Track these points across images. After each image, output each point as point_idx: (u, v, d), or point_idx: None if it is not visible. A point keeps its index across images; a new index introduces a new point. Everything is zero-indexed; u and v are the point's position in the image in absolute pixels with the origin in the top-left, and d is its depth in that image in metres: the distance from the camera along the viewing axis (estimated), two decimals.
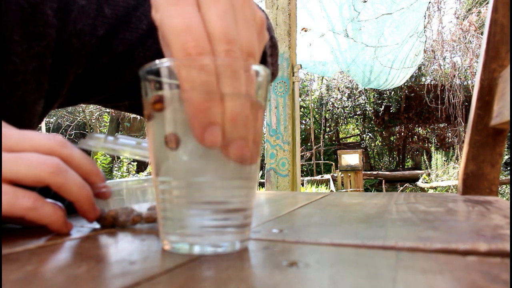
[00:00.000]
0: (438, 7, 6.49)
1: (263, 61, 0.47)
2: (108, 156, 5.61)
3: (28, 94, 0.44)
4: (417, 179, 6.01)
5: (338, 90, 9.27)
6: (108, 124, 8.11)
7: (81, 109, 7.72)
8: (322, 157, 8.30)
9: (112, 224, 0.36)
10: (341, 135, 10.33)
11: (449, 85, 6.92)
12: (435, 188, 5.13)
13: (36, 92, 0.45)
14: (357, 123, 9.86)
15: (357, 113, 9.26)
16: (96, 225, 0.37)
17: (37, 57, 0.43)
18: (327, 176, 6.22)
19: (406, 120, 8.86)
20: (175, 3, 0.25)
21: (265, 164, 2.73)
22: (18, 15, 0.41)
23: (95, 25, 0.47)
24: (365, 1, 4.29)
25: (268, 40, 0.48)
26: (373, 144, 9.73)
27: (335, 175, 5.96)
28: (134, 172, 5.91)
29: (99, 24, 0.47)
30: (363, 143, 9.48)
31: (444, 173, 5.57)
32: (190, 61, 0.24)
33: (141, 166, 6.27)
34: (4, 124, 0.32)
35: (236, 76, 0.24)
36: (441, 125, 8.74)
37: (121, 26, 0.48)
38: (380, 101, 8.59)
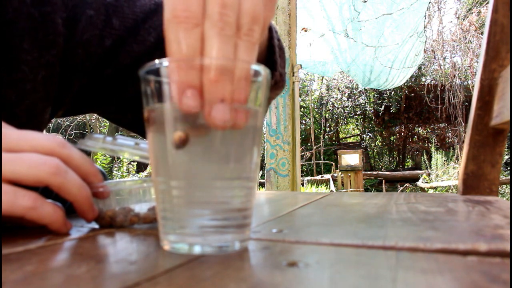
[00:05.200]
0: (438, 7, 6.49)
1: (271, 59, 0.46)
2: (108, 156, 5.61)
3: (37, 102, 0.44)
4: (417, 179, 6.00)
5: (338, 90, 9.27)
6: (108, 124, 8.10)
7: None
8: (322, 157, 8.30)
9: (110, 224, 0.36)
10: (341, 135, 10.33)
11: (449, 85, 6.93)
12: (435, 188, 5.12)
13: (45, 101, 0.45)
14: (357, 123, 9.86)
15: (357, 113, 9.26)
16: (95, 225, 0.37)
17: (46, 65, 0.43)
18: (327, 176, 6.22)
19: (406, 120, 8.86)
20: None
21: (265, 164, 2.73)
22: (28, 24, 0.41)
23: (102, 36, 0.47)
24: (365, 1, 4.29)
25: (277, 40, 0.47)
26: (373, 144, 9.73)
27: (335, 175, 5.96)
28: (134, 172, 5.91)
29: (106, 35, 0.47)
30: (363, 143, 9.48)
31: (444, 173, 5.57)
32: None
33: (141, 166, 6.27)
34: (4, 124, 0.32)
35: (224, 40, 0.24)
36: (441, 125, 8.75)
37: (129, 38, 0.48)
38: (380, 101, 8.59)
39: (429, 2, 4.62)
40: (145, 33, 0.48)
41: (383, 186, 6.36)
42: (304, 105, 9.41)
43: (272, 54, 0.45)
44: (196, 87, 0.24)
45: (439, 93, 7.46)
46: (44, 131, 0.51)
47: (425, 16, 4.77)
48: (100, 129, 8.32)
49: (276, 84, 0.49)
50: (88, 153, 0.37)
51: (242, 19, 0.25)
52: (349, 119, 9.71)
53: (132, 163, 5.91)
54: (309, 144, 8.49)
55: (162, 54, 0.49)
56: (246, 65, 0.25)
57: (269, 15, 0.28)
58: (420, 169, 6.82)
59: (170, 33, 0.25)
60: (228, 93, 0.24)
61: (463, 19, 6.73)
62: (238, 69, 0.25)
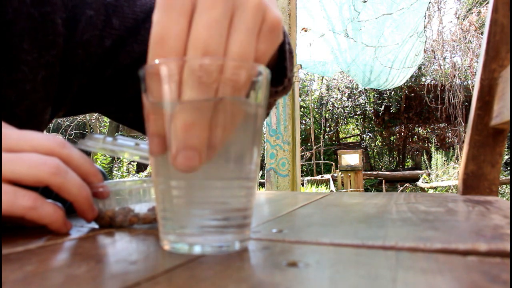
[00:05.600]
0: (438, 7, 6.49)
1: (281, 65, 0.44)
2: (108, 156, 5.61)
3: (37, 102, 0.44)
4: (417, 179, 6.00)
5: (338, 90, 9.27)
6: (108, 124, 8.10)
7: None
8: (322, 157, 8.30)
9: (109, 224, 0.36)
10: (341, 135, 10.33)
11: (449, 85, 6.93)
12: (435, 188, 5.12)
13: (45, 101, 0.45)
14: (357, 123, 9.86)
15: (357, 113, 9.26)
16: (95, 225, 0.37)
17: (46, 66, 0.43)
18: (327, 176, 6.22)
19: (406, 120, 8.87)
20: (167, 8, 0.24)
21: (265, 164, 2.73)
22: (28, 24, 0.41)
23: (102, 36, 0.46)
24: (365, 1, 4.29)
25: (287, 45, 0.45)
26: (373, 144, 9.73)
27: (335, 175, 5.96)
28: (134, 172, 5.91)
29: (106, 35, 0.47)
30: (363, 143, 9.48)
31: (444, 173, 5.57)
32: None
33: (141, 166, 6.27)
34: (4, 124, 0.32)
35: (201, 90, 0.23)
36: (441, 125, 8.75)
37: (129, 38, 0.48)
38: (380, 101, 8.60)
39: (429, 2, 4.61)
40: (146, 33, 0.48)
41: (383, 186, 6.36)
42: (304, 105, 9.41)
43: (283, 60, 0.44)
44: (157, 134, 0.24)
45: (439, 93, 7.46)
46: (44, 131, 0.51)
47: (425, 16, 4.77)
48: (100, 129, 8.32)
49: (284, 89, 0.48)
50: (88, 153, 0.37)
51: (226, 65, 0.24)
52: (349, 119, 9.71)
53: (132, 163, 5.91)
54: (309, 144, 8.49)
55: None
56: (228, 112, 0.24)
57: (268, 49, 0.26)
58: (420, 169, 6.82)
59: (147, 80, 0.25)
60: (200, 141, 0.23)
61: (463, 19, 6.74)
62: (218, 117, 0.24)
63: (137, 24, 0.48)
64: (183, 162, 0.23)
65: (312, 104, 9.14)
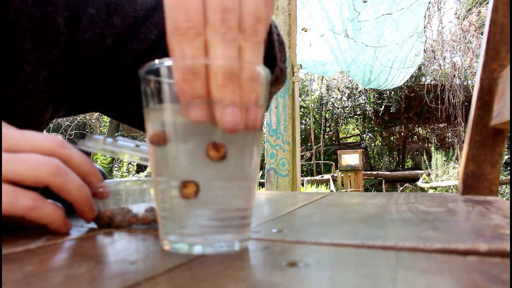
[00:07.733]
0: (438, 7, 6.49)
1: (271, 55, 0.45)
2: (108, 156, 5.61)
3: (38, 102, 0.44)
4: (417, 179, 6.00)
5: (338, 90, 9.27)
6: (108, 124, 8.10)
7: None
8: (322, 157, 8.29)
9: (108, 224, 0.36)
10: (341, 135, 10.32)
11: (449, 85, 6.92)
12: (435, 188, 5.12)
13: (46, 101, 0.45)
14: (357, 123, 9.86)
15: (357, 113, 9.26)
16: (93, 225, 0.37)
17: (48, 65, 0.43)
18: (327, 176, 6.22)
19: (406, 120, 8.86)
20: None
21: (265, 164, 2.73)
22: (29, 23, 0.41)
23: (103, 34, 0.46)
24: (365, 1, 4.29)
25: (276, 35, 0.47)
26: (373, 144, 9.72)
27: (335, 175, 5.96)
28: (134, 172, 5.91)
29: (107, 33, 0.47)
30: (363, 143, 9.47)
31: (444, 173, 5.57)
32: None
33: (141, 166, 6.27)
34: (4, 124, 0.32)
35: (227, 45, 0.24)
36: (441, 125, 8.74)
37: (130, 36, 0.48)
38: (380, 101, 8.59)
39: (429, 2, 4.61)
40: (146, 30, 0.48)
41: (383, 186, 6.36)
42: (304, 105, 9.41)
43: (272, 49, 0.45)
44: (202, 96, 0.24)
45: (439, 93, 7.46)
46: (44, 131, 0.51)
47: (425, 16, 4.77)
48: (100, 129, 8.31)
49: (277, 80, 0.49)
50: (88, 154, 0.37)
51: (245, 21, 0.25)
52: (349, 119, 9.71)
53: (132, 163, 5.90)
54: (309, 144, 8.48)
55: (163, 52, 0.49)
56: (252, 66, 0.25)
57: (269, 13, 0.28)
58: (420, 169, 6.81)
59: (173, 46, 0.25)
60: (237, 96, 0.24)
61: (463, 19, 6.73)
62: (245, 71, 0.25)
63: (137, 22, 0.48)
64: (230, 119, 0.24)
65: (312, 104, 9.14)
